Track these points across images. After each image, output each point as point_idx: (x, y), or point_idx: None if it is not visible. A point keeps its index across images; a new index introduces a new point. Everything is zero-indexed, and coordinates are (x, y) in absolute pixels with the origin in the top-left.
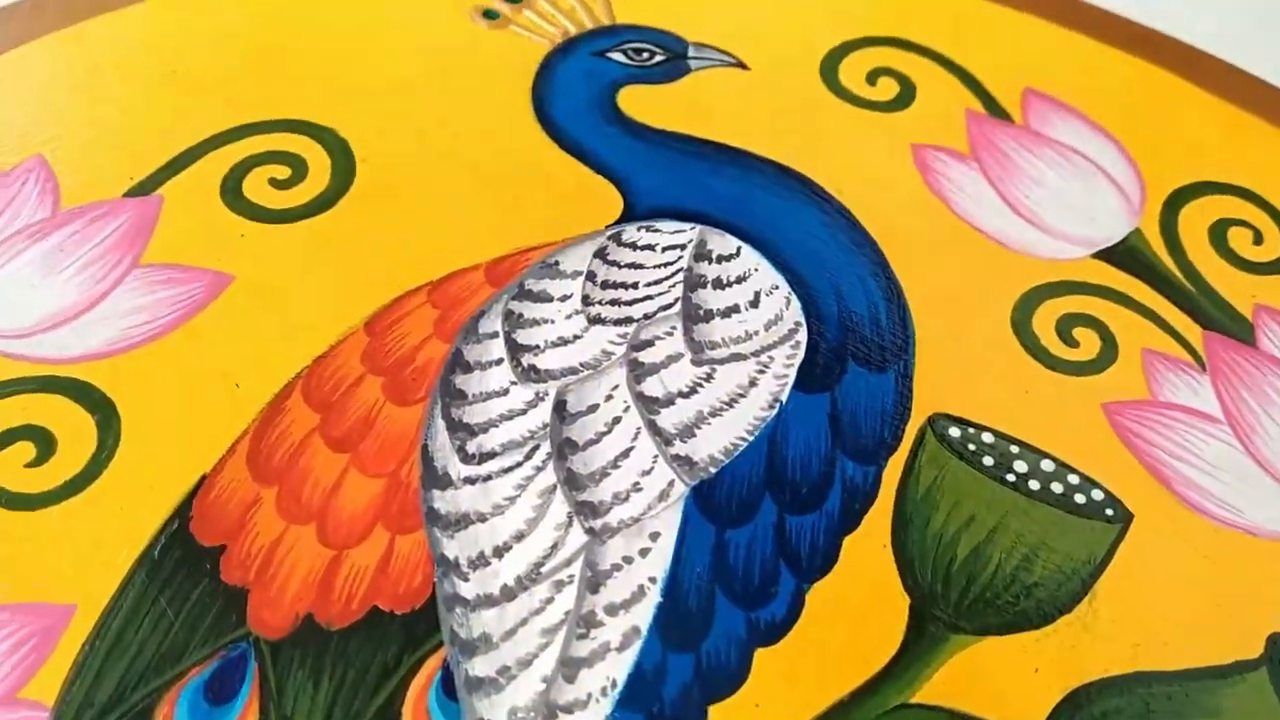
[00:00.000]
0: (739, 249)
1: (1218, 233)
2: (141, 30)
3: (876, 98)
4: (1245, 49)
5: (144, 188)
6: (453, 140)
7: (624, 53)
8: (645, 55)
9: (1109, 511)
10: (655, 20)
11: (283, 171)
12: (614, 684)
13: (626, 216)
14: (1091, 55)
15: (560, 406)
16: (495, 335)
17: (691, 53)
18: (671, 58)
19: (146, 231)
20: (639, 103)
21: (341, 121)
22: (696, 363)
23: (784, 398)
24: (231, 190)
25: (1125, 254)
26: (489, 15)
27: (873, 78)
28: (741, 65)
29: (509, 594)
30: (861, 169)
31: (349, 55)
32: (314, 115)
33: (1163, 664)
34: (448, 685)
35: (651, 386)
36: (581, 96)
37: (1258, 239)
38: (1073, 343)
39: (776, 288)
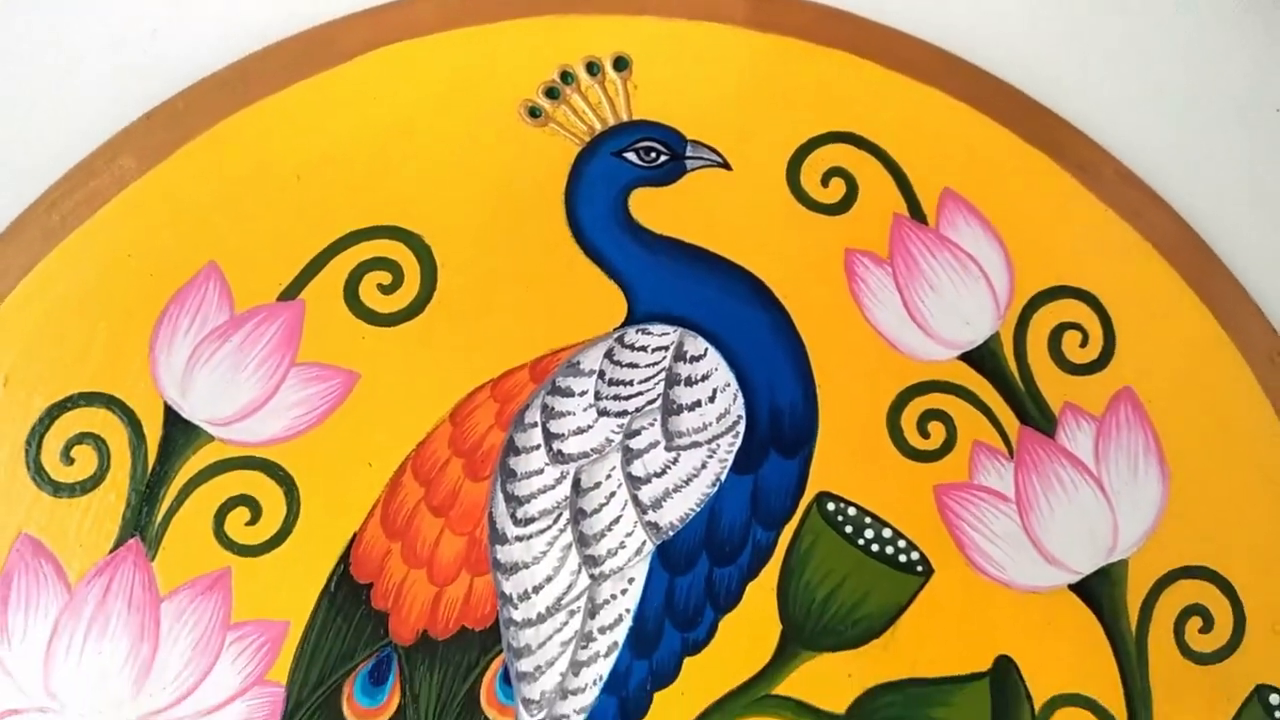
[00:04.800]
0: (706, 350)
1: (1055, 336)
2: (270, 134)
3: (827, 200)
4: (1162, 162)
5: (290, 292)
6: (508, 245)
7: (636, 152)
8: (653, 155)
9: (919, 568)
10: (663, 115)
11: (385, 278)
12: (601, 678)
13: (629, 318)
14: (1009, 152)
15: (577, 483)
16: (535, 425)
17: (689, 152)
18: (673, 157)
19: (297, 333)
20: (645, 201)
21: (427, 227)
22: (668, 449)
23: (723, 477)
24: (351, 295)
25: (982, 356)
26: (535, 113)
27: (826, 179)
28: (726, 166)
29: (541, 619)
30: (804, 273)
31: (429, 163)
32: (405, 221)
33: (927, 673)
34: (506, 676)
35: (637, 468)
36: (601, 203)
37: (1084, 341)
38: (926, 435)
39: (729, 385)
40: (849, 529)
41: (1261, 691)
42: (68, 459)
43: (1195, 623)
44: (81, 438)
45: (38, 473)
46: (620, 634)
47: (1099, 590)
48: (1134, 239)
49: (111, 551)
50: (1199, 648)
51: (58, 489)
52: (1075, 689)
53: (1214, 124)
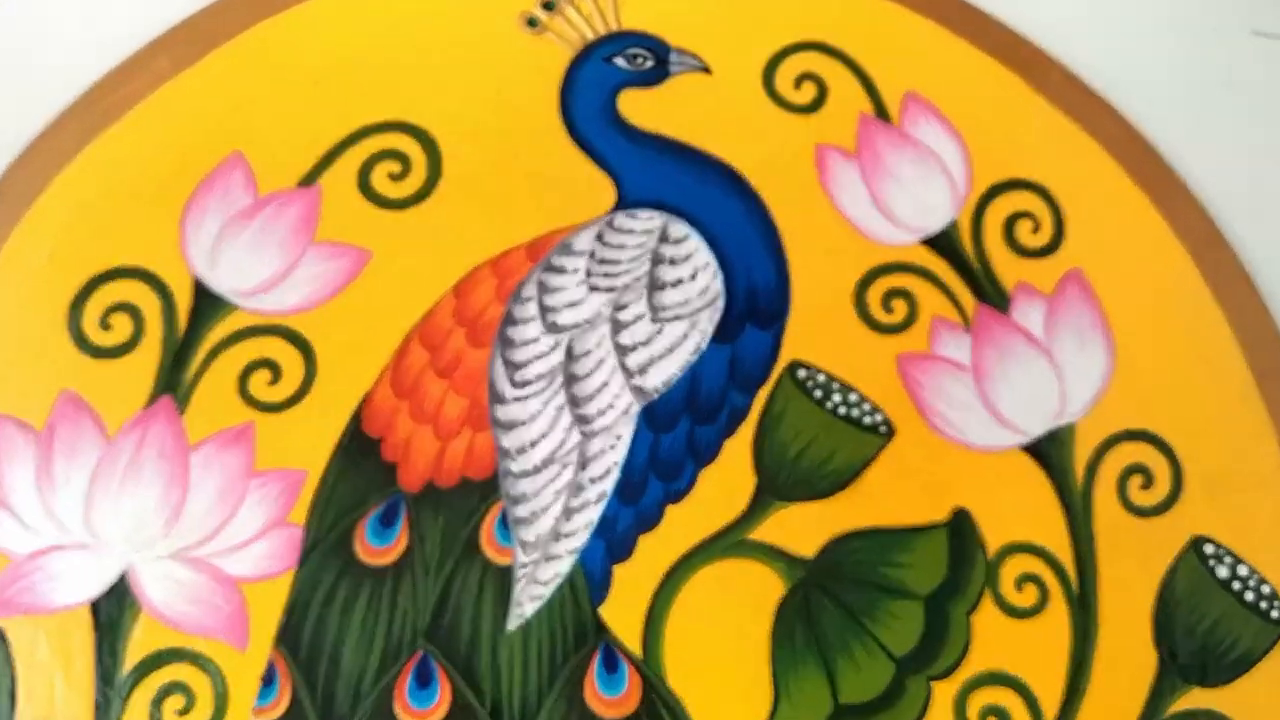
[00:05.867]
0: (688, 234)
1: (1009, 223)
2: (291, 41)
3: (799, 101)
4: (1105, 68)
5: (308, 179)
6: (508, 139)
7: (625, 58)
8: (640, 60)
9: (882, 429)
10: (649, 25)
11: (395, 167)
12: (591, 523)
13: (618, 204)
14: (967, 61)
15: (569, 351)
16: (532, 299)
17: (673, 58)
18: (659, 63)
19: (314, 215)
20: (632, 102)
21: (434, 123)
22: (653, 321)
23: (703, 346)
24: (364, 182)
25: (942, 240)
26: (532, 23)
27: (799, 82)
28: (707, 70)
29: (538, 470)
30: (778, 166)
31: (437, 68)
32: (414, 118)
33: (890, 523)
34: (504, 521)
35: (624, 338)
36: (593, 102)
37: (1036, 228)
38: (889, 310)
39: (709, 264)
40: (818, 393)
41: (1197, 541)
42: (106, 325)
43: (1137, 480)
44: (118, 307)
45: (79, 337)
46: (609, 484)
47: (1048, 450)
48: (1081, 137)
49: (145, 407)
50: (1140, 502)
51: (97, 352)
52: (1026, 538)
53: (1152, 33)
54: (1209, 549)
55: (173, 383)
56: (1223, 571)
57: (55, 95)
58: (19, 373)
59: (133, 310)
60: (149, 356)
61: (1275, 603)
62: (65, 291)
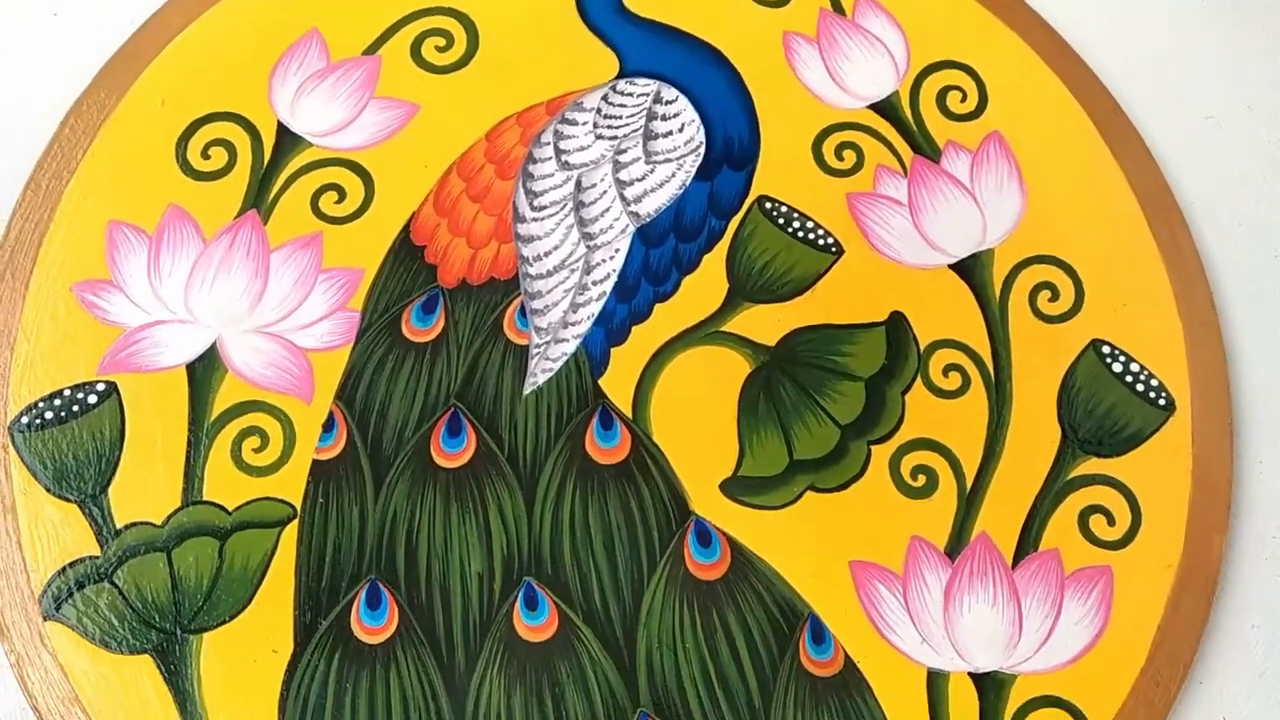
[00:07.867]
0: (677, 97)
1: (941, 94)
2: None
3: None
4: None
5: (371, 49)
6: (533, 23)
7: None
8: None
9: (833, 249)
10: None
11: (441, 41)
12: (593, 315)
13: (620, 74)
14: None
15: (578, 183)
16: (549, 143)
17: None
18: None
19: (375, 77)
20: None
21: (473, 9)
22: (647, 163)
23: (687, 183)
24: (415, 52)
25: (885, 106)
26: None
27: None
28: None
29: (550, 274)
30: (753, 48)
31: None
32: (456, 4)
33: (838, 320)
34: (522, 311)
35: (623, 175)
36: None
37: (963, 98)
38: (841, 159)
39: (694, 120)
40: (781, 220)
41: (1096, 343)
42: (206, 156)
43: (1045, 294)
44: (216, 142)
45: (184, 165)
46: (608, 286)
47: (971, 269)
48: (1005, 31)
49: (236, 218)
50: (1048, 311)
51: (199, 176)
52: (952, 336)
53: None
54: (1106, 349)
55: (259, 200)
56: (1117, 367)
57: None
58: (136, 190)
59: (228, 145)
60: (240, 180)
61: (1162, 393)
62: (174, 130)
